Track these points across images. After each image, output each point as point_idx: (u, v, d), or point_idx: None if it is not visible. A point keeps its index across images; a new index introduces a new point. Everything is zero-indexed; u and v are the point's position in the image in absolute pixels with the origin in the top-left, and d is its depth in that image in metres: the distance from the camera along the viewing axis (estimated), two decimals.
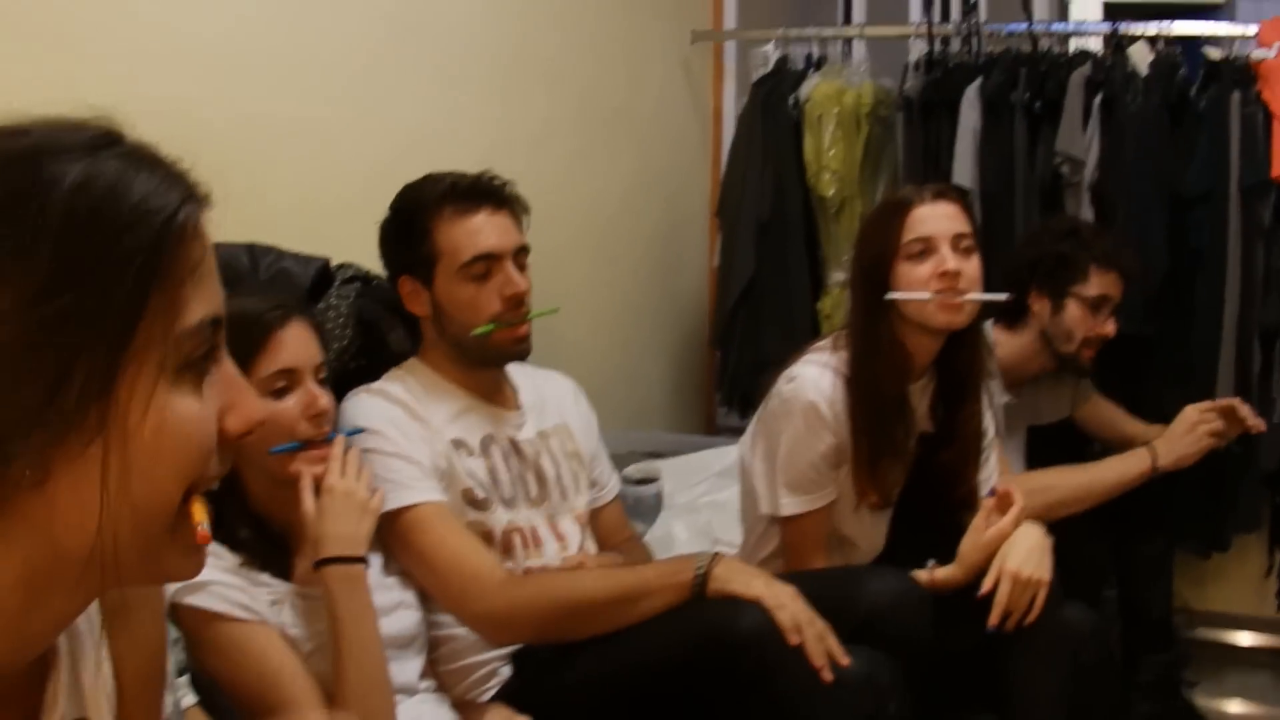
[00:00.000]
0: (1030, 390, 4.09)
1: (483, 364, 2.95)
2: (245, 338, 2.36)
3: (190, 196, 1.13)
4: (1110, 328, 3.87)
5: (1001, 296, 3.24)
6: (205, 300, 1.12)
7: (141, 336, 1.06)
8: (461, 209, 2.85)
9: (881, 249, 3.14)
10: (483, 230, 2.85)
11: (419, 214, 2.88)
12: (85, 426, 1.04)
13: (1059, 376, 4.14)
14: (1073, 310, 3.86)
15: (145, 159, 1.13)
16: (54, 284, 1.02)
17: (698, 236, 5.91)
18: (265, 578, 2.39)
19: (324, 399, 2.49)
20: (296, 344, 2.46)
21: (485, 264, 2.84)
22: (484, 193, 2.89)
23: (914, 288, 3.08)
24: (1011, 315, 3.92)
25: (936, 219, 3.11)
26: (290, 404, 2.44)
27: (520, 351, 2.93)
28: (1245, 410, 3.81)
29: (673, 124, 5.67)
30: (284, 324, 2.44)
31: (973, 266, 3.11)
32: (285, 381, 2.44)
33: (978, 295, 3.12)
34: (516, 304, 2.87)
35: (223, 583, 2.28)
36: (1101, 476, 3.78)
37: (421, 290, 2.89)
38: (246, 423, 1.17)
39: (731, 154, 5.43)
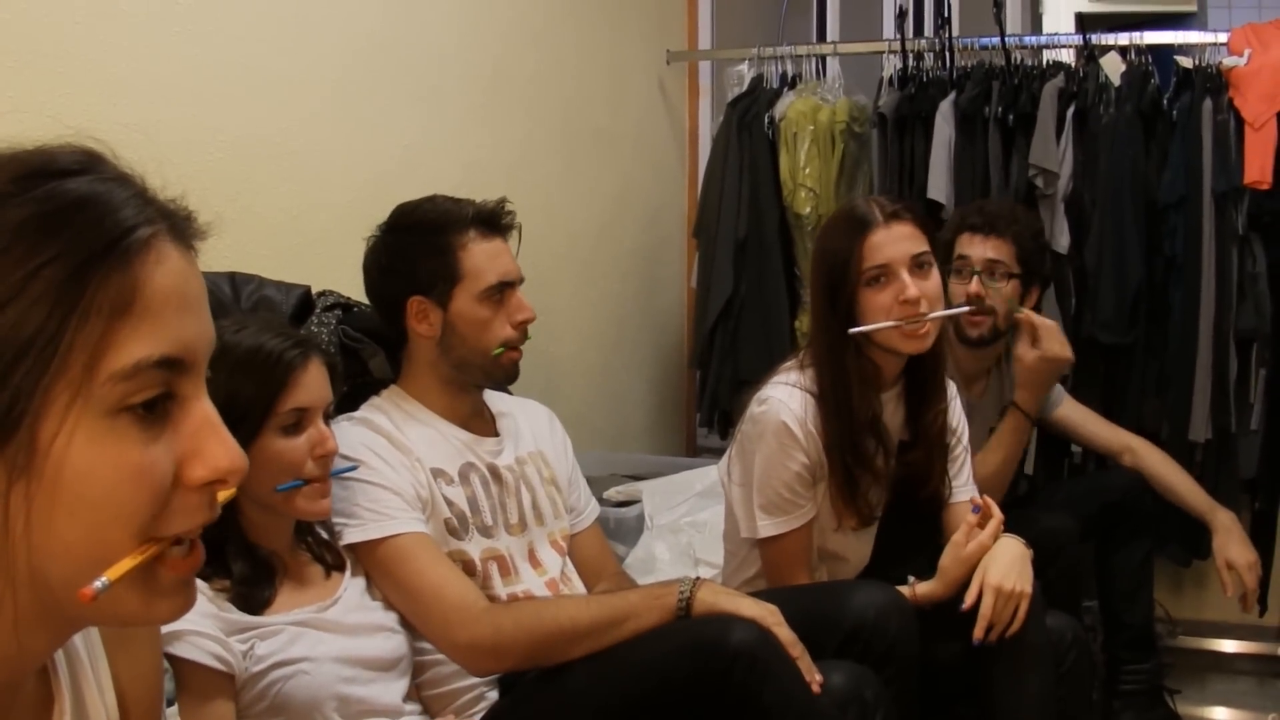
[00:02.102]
0: (994, 390, 4.10)
1: (478, 385, 2.99)
2: (268, 376, 2.42)
3: (148, 223, 1.09)
4: (974, 286, 3.82)
5: (961, 310, 3.22)
6: (153, 338, 1.06)
7: (59, 372, 1.02)
8: (485, 234, 2.90)
9: (841, 276, 3.13)
10: (502, 257, 2.92)
11: (444, 233, 2.89)
12: (6, 461, 1.03)
13: (1003, 377, 4.15)
14: (949, 285, 3.84)
15: (117, 184, 1.10)
16: None
17: (675, 256, 5.94)
18: (236, 615, 2.38)
19: (332, 440, 2.51)
20: (313, 384, 2.48)
21: (502, 290, 2.89)
22: (504, 221, 2.95)
23: (876, 315, 3.09)
24: None
25: (893, 243, 3.10)
26: (299, 442, 2.46)
27: (517, 371, 2.98)
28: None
29: (650, 144, 5.71)
30: (305, 364, 2.46)
31: (932, 285, 3.12)
32: (297, 420, 2.46)
33: (937, 314, 3.12)
34: (524, 330, 2.94)
35: (199, 632, 2.27)
36: (996, 454, 3.86)
37: (433, 310, 2.89)
38: (213, 472, 1.11)
39: (708, 173, 5.45)
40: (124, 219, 1.07)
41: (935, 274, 3.15)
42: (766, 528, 3.15)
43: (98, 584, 1.05)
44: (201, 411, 1.12)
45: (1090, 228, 4.66)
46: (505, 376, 2.98)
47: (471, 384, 2.98)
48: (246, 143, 3.32)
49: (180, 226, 1.14)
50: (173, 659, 2.22)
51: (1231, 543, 4.00)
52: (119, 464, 1.05)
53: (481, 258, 2.87)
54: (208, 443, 1.11)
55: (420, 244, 2.90)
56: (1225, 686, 4.78)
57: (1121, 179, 4.61)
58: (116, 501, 1.05)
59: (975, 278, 3.84)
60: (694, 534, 4.09)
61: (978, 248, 3.87)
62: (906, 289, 3.05)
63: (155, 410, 1.08)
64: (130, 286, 1.05)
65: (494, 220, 2.93)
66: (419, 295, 2.89)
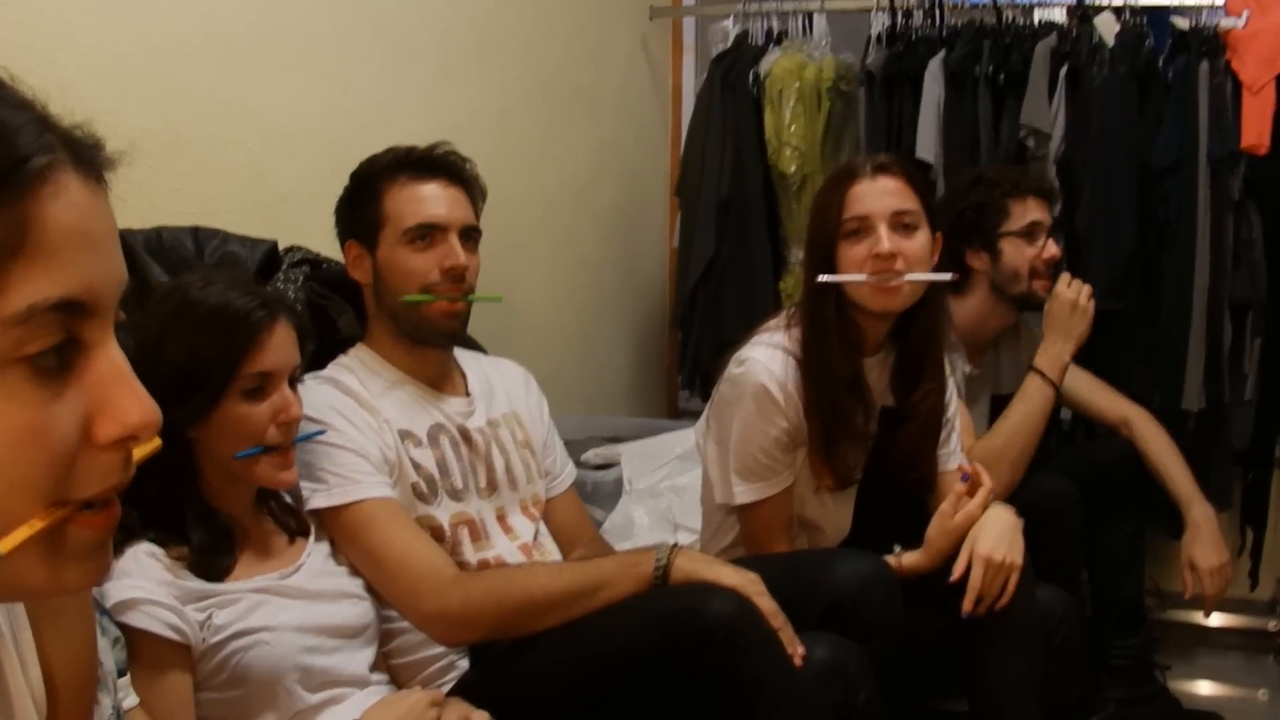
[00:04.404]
0: (991, 359, 4.05)
1: (420, 340, 2.87)
2: (232, 337, 2.34)
3: (45, 150, 0.97)
4: (1053, 250, 3.82)
5: (945, 276, 3.13)
6: (50, 279, 0.95)
7: None
8: (415, 177, 2.82)
9: (822, 225, 3.07)
10: (431, 199, 2.82)
11: (372, 178, 2.85)
12: None
13: (1019, 343, 4.09)
14: (1009, 250, 3.81)
15: (11, 110, 0.98)
16: None
17: (658, 216, 5.88)
18: (194, 583, 2.31)
19: (296, 406, 2.43)
20: (280, 347, 2.40)
21: (429, 233, 2.80)
22: (438, 164, 2.86)
23: (850, 268, 3.01)
24: (956, 281, 3.82)
25: (875, 196, 3.03)
26: (262, 408, 2.37)
27: (450, 328, 2.86)
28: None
29: (632, 103, 5.63)
30: (271, 325, 2.38)
31: (914, 245, 3.02)
32: (260, 384, 2.37)
33: (917, 276, 3.03)
34: (454, 278, 2.81)
35: (154, 601, 2.21)
36: (1022, 421, 3.70)
37: (365, 255, 2.85)
38: (123, 428, 1.00)
39: (690, 132, 5.37)
40: (16, 147, 0.95)
41: (922, 236, 3.05)
42: (743, 494, 3.08)
43: None
44: (109, 360, 1.01)
45: (1082, 191, 4.58)
46: (434, 331, 2.85)
47: (417, 340, 2.87)
48: (213, 98, 3.25)
49: (85, 155, 1.02)
50: (125, 629, 2.16)
51: (1198, 542, 3.91)
52: (11, 425, 0.95)
53: (406, 200, 2.81)
54: (117, 395, 1.01)
55: (355, 189, 2.90)
56: (1214, 661, 4.76)
57: (1114, 142, 4.53)
58: (11, 467, 0.95)
59: (1051, 240, 3.81)
60: (674, 498, 4.05)
61: (1046, 213, 3.85)
62: (880, 243, 2.98)
63: (55, 362, 0.97)
64: (21, 222, 0.94)
65: (424, 162, 2.85)
66: (352, 240, 2.87)
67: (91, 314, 0.99)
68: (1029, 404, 3.71)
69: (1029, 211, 3.81)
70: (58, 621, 1.28)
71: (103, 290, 1.00)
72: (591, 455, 4.29)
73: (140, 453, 1.05)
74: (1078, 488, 3.66)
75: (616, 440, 4.48)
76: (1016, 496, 3.06)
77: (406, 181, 2.81)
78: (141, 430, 1.01)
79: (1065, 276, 3.76)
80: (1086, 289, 3.74)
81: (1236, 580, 4.00)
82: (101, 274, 1.00)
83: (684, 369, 5.42)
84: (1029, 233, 3.80)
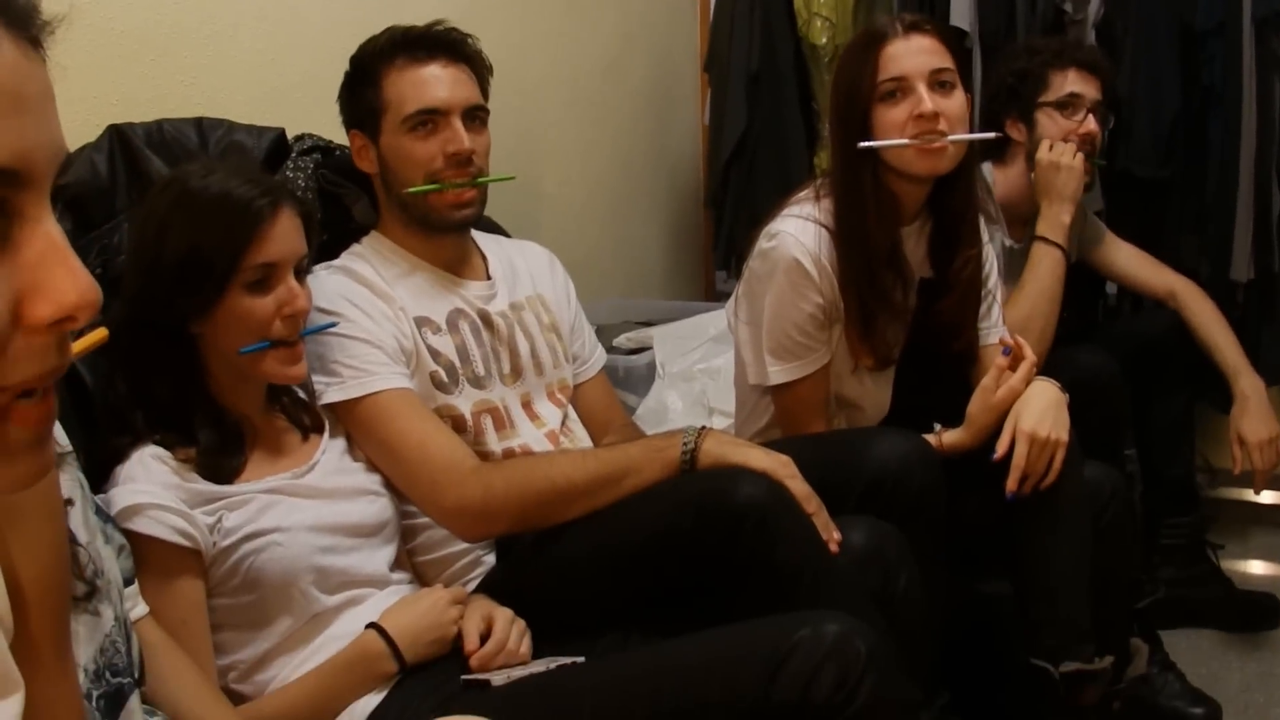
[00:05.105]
0: (1033, 233, 3.91)
1: (432, 229, 2.78)
2: (233, 228, 2.28)
3: None
4: (1090, 125, 3.71)
5: (987, 136, 3.10)
6: None
7: None
8: (413, 59, 2.72)
9: (855, 90, 2.97)
10: (431, 83, 2.71)
11: (370, 64, 2.75)
12: None
13: None
14: (1044, 121, 3.73)
15: None
16: None
17: (687, 92, 5.76)
18: (202, 486, 2.26)
19: (303, 298, 2.35)
20: (284, 236, 2.32)
21: (431, 118, 2.70)
22: (436, 43, 2.75)
23: (890, 132, 2.92)
24: (997, 150, 3.80)
25: (911, 55, 2.93)
26: (267, 301, 2.30)
27: (462, 217, 2.78)
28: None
29: None
30: (274, 214, 2.30)
31: (954, 104, 2.94)
32: (264, 275, 2.30)
33: (959, 136, 2.94)
34: (460, 163, 2.71)
35: (160, 505, 2.17)
36: (1036, 290, 3.61)
37: (369, 145, 2.76)
38: (57, 309, 0.93)
39: (718, 4, 5.25)
40: None
41: (959, 95, 2.96)
42: (777, 374, 3.00)
43: None
44: (46, 235, 0.94)
45: (1123, 56, 4.45)
46: (445, 221, 2.76)
47: (430, 228, 2.78)
48: None
49: (17, 15, 0.95)
50: (131, 535, 2.12)
51: (1247, 414, 3.83)
52: None
53: (404, 85, 2.71)
54: (52, 273, 0.94)
55: (354, 75, 2.80)
56: (1268, 540, 4.69)
57: (1155, 4, 4.40)
58: None
59: (1091, 116, 3.71)
60: (708, 381, 4.00)
61: (1089, 87, 3.74)
62: (922, 103, 2.88)
63: None
64: None
65: (422, 41, 2.74)
66: (356, 130, 2.79)
67: (25, 184, 0.94)
68: (1038, 272, 3.62)
69: (1069, 83, 3.71)
70: (20, 527, 1.23)
71: (36, 157, 0.95)
72: (624, 340, 4.26)
73: (82, 345, 0.99)
74: (1119, 362, 3.58)
75: (649, 324, 4.44)
76: (1052, 373, 2.96)
77: (404, 65, 2.71)
78: (78, 310, 0.95)
79: (1045, 142, 3.68)
80: (1070, 147, 3.65)
81: None
82: (34, 141, 0.95)
83: (719, 249, 5.34)
84: (1066, 104, 3.71)
